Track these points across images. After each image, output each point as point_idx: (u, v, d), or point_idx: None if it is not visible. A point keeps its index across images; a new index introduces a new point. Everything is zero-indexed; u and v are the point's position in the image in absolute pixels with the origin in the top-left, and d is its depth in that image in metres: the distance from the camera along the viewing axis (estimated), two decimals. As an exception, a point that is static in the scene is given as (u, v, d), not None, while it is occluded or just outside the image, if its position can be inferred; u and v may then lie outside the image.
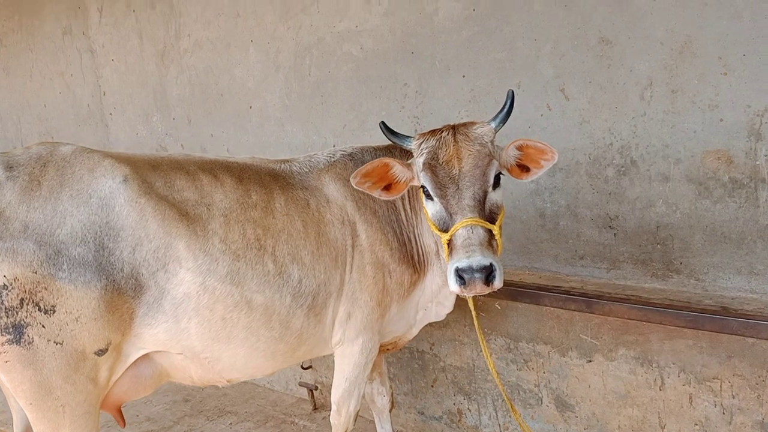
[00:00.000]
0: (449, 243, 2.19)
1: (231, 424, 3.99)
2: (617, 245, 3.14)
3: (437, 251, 2.61)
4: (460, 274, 2.09)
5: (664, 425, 2.73)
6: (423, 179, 2.32)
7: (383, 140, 2.71)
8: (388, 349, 3.06)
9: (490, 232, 2.18)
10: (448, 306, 2.86)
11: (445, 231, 2.23)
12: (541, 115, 3.25)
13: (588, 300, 2.78)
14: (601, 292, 2.81)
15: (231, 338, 2.34)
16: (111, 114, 5.98)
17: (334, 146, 4.11)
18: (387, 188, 2.45)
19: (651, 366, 2.74)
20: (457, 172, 2.25)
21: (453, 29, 3.48)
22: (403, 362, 3.69)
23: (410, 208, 2.68)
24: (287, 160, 2.74)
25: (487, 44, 3.36)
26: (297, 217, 2.50)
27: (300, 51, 4.25)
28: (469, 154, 2.26)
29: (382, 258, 2.60)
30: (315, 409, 4.08)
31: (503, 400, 3.25)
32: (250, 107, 4.69)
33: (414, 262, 2.68)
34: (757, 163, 2.67)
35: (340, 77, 4.07)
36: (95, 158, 2.23)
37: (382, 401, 3.23)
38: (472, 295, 2.21)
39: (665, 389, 2.70)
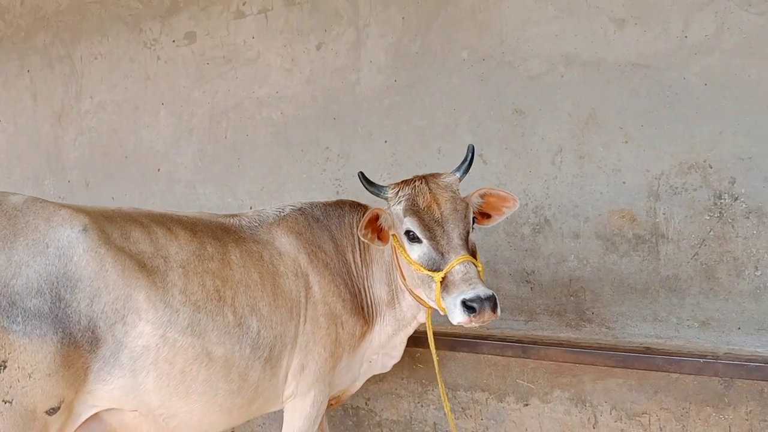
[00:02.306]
0: (443, 280, 2.29)
1: None
2: (534, 298, 3.37)
3: (389, 301, 2.71)
4: (468, 304, 2.19)
5: None
6: (409, 224, 2.42)
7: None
8: (331, 404, 3.04)
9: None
10: (396, 356, 2.92)
11: (436, 270, 2.32)
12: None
13: (524, 346, 2.96)
14: (536, 338, 3.00)
15: (189, 392, 2.28)
16: (-7, 176, 5.60)
17: (251, 207, 4.13)
18: (379, 237, 2.53)
19: (585, 405, 2.94)
20: (440, 215, 2.39)
21: (375, 98, 3.67)
22: (337, 420, 3.66)
23: (360, 260, 2.76)
24: (235, 215, 2.75)
25: (408, 112, 3.58)
26: (253, 269, 2.49)
27: (216, 114, 4.28)
28: (446, 200, 2.42)
29: (335, 309, 2.64)
30: None
31: None
32: (159, 170, 4.60)
33: (364, 313, 2.73)
34: (657, 220, 3.02)
35: (258, 141, 4.13)
36: (50, 208, 2.14)
37: None
38: (479, 324, 2.26)
39: (598, 427, 2.91)
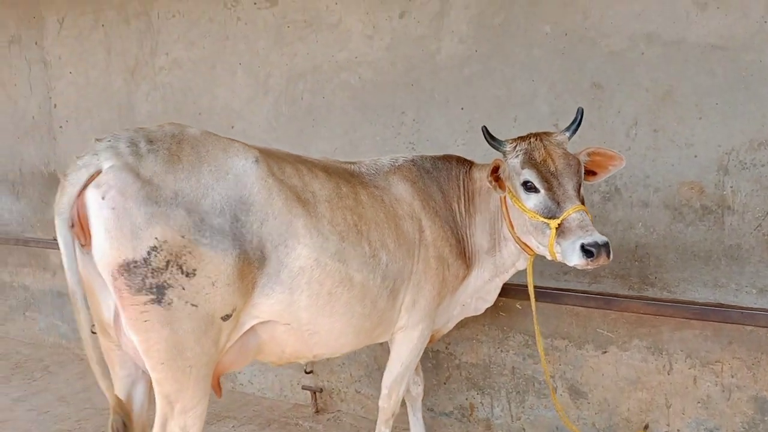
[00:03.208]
0: (558, 227, 2.55)
1: (233, 427, 4.06)
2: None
3: (489, 249, 3.04)
4: (587, 248, 2.45)
5: (670, 405, 3.21)
6: (527, 175, 2.68)
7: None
8: None
9: None
10: (490, 300, 3.24)
11: (552, 218, 2.58)
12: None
13: (606, 298, 3.28)
14: (616, 291, 3.29)
15: (333, 312, 2.58)
16: (62, 127, 5.83)
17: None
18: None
19: (661, 354, 3.24)
20: (555, 168, 2.65)
21: (454, 66, 3.88)
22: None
23: (465, 211, 3.06)
24: (353, 162, 3.05)
25: (486, 82, 3.79)
26: (379, 210, 2.79)
27: (293, 76, 4.48)
28: (559, 155, 2.69)
29: (443, 252, 2.93)
30: (317, 411, 4.24)
31: (518, 392, 3.63)
32: (233, 127, 4.81)
33: (465, 258, 3.03)
34: (724, 193, 3.24)
35: (335, 103, 4.34)
36: (225, 140, 2.44)
37: (417, 390, 3.51)
38: (593, 267, 2.51)
39: (673, 373, 3.20)
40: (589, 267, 2.52)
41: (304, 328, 2.57)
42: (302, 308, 2.50)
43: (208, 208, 2.24)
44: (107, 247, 2.13)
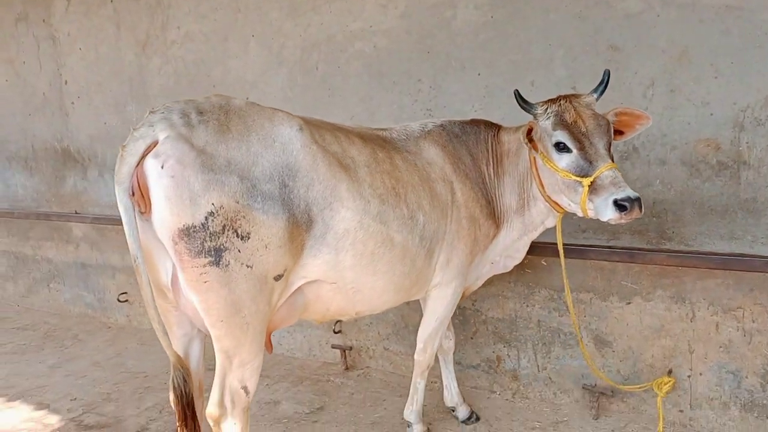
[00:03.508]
0: (591, 184, 2.68)
1: (267, 384, 4.24)
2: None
3: (518, 208, 3.19)
4: (620, 203, 2.58)
5: (692, 350, 3.41)
6: (560, 136, 2.78)
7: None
8: None
9: None
10: (518, 258, 3.40)
11: (584, 176, 2.71)
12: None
13: (631, 251, 3.43)
14: (640, 245, 3.48)
15: (375, 271, 2.73)
16: (73, 103, 5.87)
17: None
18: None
19: (684, 302, 3.42)
20: (585, 129, 2.76)
21: (470, 33, 3.94)
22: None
23: (493, 172, 3.20)
24: (384, 129, 3.16)
25: (502, 47, 3.85)
26: (414, 173, 2.92)
27: (307, 47, 4.53)
28: (588, 116, 2.79)
29: (474, 213, 3.08)
30: (347, 369, 4.43)
31: (543, 343, 3.83)
32: (247, 98, 4.87)
33: (495, 217, 3.18)
34: (740, 149, 3.35)
35: (350, 72, 4.40)
36: (269, 110, 2.54)
37: (449, 344, 3.69)
38: (626, 221, 2.64)
39: (695, 320, 3.39)
40: (622, 221, 2.64)
41: (349, 287, 2.71)
42: (347, 268, 2.63)
43: (258, 174, 2.35)
44: (167, 214, 2.24)
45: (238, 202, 2.28)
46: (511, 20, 3.80)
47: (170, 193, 2.23)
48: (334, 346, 4.47)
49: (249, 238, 2.31)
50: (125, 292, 5.65)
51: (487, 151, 3.21)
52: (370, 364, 4.49)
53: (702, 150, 3.44)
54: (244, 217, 2.29)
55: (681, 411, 3.52)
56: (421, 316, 3.35)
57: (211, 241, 2.25)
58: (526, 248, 3.37)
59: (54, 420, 3.87)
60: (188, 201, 2.23)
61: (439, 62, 4.08)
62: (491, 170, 3.19)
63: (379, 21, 4.21)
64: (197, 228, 2.24)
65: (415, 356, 3.36)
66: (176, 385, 2.50)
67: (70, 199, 6.11)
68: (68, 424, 3.82)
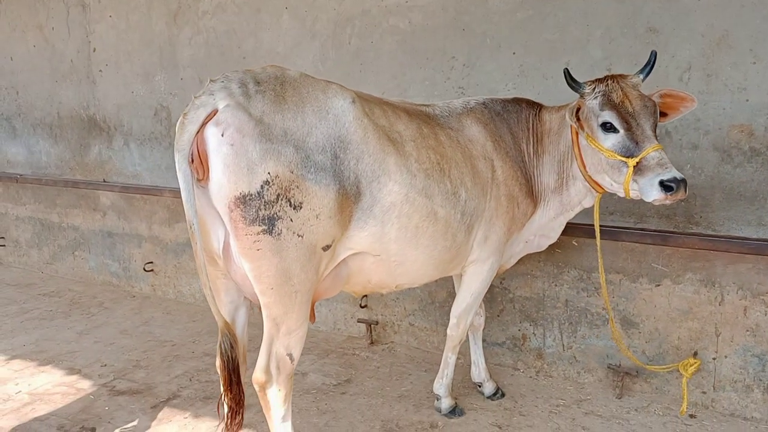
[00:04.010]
0: (636, 165, 2.70)
1: None
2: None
3: (556, 188, 3.23)
4: (666, 184, 2.61)
5: (719, 333, 3.46)
6: (607, 116, 2.79)
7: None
8: None
9: None
10: (553, 237, 3.42)
11: (629, 157, 2.73)
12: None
13: (663, 234, 3.46)
14: (672, 229, 3.52)
15: (418, 244, 2.78)
16: (101, 71, 5.90)
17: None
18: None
19: (713, 286, 3.46)
20: (632, 109, 2.77)
21: (507, 11, 3.94)
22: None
23: (533, 151, 3.23)
24: (428, 105, 3.18)
25: (540, 26, 3.86)
26: (456, 149, 2.96)
27: (341, 21, 4.54)
28: (635, 97, 2.80)
29: (513, 191, 3.12)
30: (372, 343, 4.50)
31: (570, 323, 3.89)
32: (279, 71, 4.89)
33: (533, 196, 3.22)
34: (774, 135, 3.37)
35: (383, 48, 4.41)
36: (322, 82, 2.57)
37: (479, 321, 3.74)
38: (671, 202, 2.67)
39: (724, 304, 3.43)
40: (666, 201, 2.67)
41: (392, 259, 2.76)
42: (392, 240, 2.68)
43: (312, 145, 2.39)
44: (225, 181, 2.29)
45: (292, 172, 2.33)
46: (549, 0, 3.80)
47: (229, 161, 2.28)
48: (360, 321, 4.53)
49: (301, 207, 2.36)
50: (151, 262, 5.72)
51: (528, 129, 3.23)
52: (395, 339, 4.56)
53: (735, 136, 3.45)
54: (297, 187, 2.34)
55: (704, 392, 3.57)
56: (448, 292, 3.41)
57: (265, 209, 2.30)
58: (561, 228, 3.40)
59: (86, 385, 3.96)
60: (246, 169, 2.27)
61: (474, 40, 4.08)
62: (531, 149, 3.22)
63: (414, -3, 4.22)
64: (253, 196, 2.29)
65: (448, 330, 3.42)
66: (223, 351, 2.56)
67: (94, 167, 6.17)
68: (100, 389, 3.90)
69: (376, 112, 2.70)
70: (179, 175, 2.31)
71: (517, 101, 3.31)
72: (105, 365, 4.26)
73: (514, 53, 3.97)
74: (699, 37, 3.45)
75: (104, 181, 5.93)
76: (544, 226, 3.35)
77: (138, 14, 5.52)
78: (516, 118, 3.25)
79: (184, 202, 2.34)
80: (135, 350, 4.51)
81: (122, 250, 5.99)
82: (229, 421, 2.64)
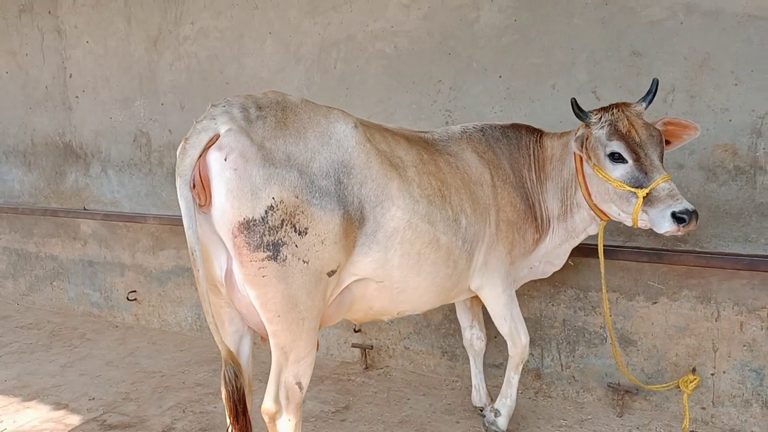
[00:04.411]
0: (646, 196, 2.74)
1: None
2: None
3: (560, 215, 3.25)
4: (678, 216, 2.66)
5: (716, 349, 3.53)
6: (615, 146, 2.82)
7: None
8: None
9: None
10: (558, 265, 3.44)
11: (638, 187, 2.76)
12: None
13: (658, 252, 3.53)
14: (667, 247, 3.59)
15: (420, 271, 2.76)
16: (77, 97, 5.82)
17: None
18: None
19: (709, 302, 3.53)
20: (639, 140, 2.81)
21: (493, 35, 4.00)
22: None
23: (535, 178, 3.25)
24: (426, 131, 3.20)
25: (525, 50, 3.92)
26: (456, 175, 2.96)
27: (326, 46, 4.55)
28: (641, 126, 2.85)
29: (512, 217, 3.13)
30: (366, 368, 4.47)
31: (568, 342, 3.93)
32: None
33: (537, 223, 3.22)
34: (757, 154, 3.47)
35: (369, 72, 4.44)
36: (324, 108, 2.58)
37: (480, 344, 3.72)
38: (683, 233, 2.72)
39: (720, 320, 3.51)
40: (678, 233, 2.72)
41: (395, 286, 2.75)
42: (395, 266, 2.67)
43: (316, 170, 2.39)
44: (228, 207, 2.28)
45: (297, 197, 2.32)
46: (534, 24, 3.87)
47: (232, 186, 2.26)
48: (354, 345, 4.51)
49: (306, 233, 2.35)
50: (134, 291, 5.62)
51: (529, 156, 3.26)
52: (390, 363, 4.54)
53: (719, 155, 3.55)
54: (302, 213, 2.33)
55: (703, 408, 3.63)
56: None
57: (270, 235, 2.29)
58: (567, 255, 3.43)
59: (75, 420, 3.86)
60: (249, 194, 2.26)
61: (460, 64, 4.13)
62: (533, 175, 3.25)
63: (401, 21, 4.26)
64: (257, 222, 2.27)
65: (509, 351, 3.40)
66: (227, 380, 2.53)
67: (70, 195, 6.05)
68: (90, 423, 3.81)
69: (377, 138, 2.70)
70: (180, 200, 2.30)
71: (516, 127, 3.35)
72: (93, 399, 4.15)
73: (500, 77, 4.03)
74: (682, 60, 3.55)
75: (84, 209, 5.81)
76: (550, 253, 3.37)
77: (116, 40, 5.46)
78: (516, 144, 3.27)
79: (186, 229, 2.31)
80: (123, 382, 4.41)
81: (104, 279, 5.87)
82: None
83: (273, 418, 2.55)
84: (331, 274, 2.49)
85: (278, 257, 2.31)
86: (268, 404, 2.53)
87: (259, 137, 2.32)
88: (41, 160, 6.22)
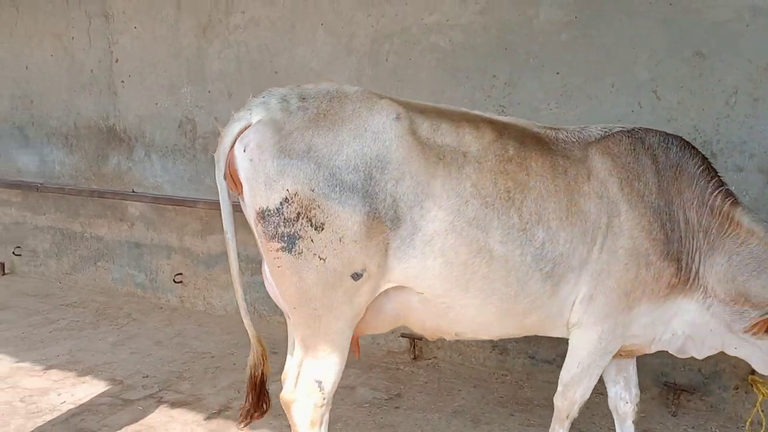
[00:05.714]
0: None
1: None
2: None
3: (723, 299, 2.65)
4: None
5: None
6: None
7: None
8: (620, 355, 2.90)
9: None
10: (698, 352, 2.86)
11: None
12: (632, 111, 3.87)
13: None
14: None
15: (468, 286, 2.44)
16: (123, 82, 5.86)
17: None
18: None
19: None
20: None
21: (552, 32, 4.00)
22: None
23: (697, 224, 2.65)
24: (554, 128, 2.76)
25: (585, 47, 3.93)
26: (551, 181, 2.50)
27: (379, 38, 4.57)
28: None
29: (640, 246, 2.53)
30: (415, 358, 4.53)
31: None
32: (313, 86, 4.91)
33: (681, 264, 2.60)
34: (819, 158, 3.49)
35: (422, 65, 4.45)
36: (374, 98, 2.42)
37: (625, 408, 3.07)
38: None
39: None
40: None
41: (439, 300, 2.48)
42: (435, 277, 2.41)
43: (340, 163, 2.28)
44: (248, 196, 2.34)
45: (313, 190, 2.26)
46: (595, 21, 3.87)
47: (249, 176, 2.32)
48: (403, 335, 4.57)
49: (323, 228, 2.27)
50: (180, 273, 5.71)
51: (703, 198, 2.68)
52: (438, 355, 4.61)
53: (781, 158, 3.56)
54: (318, 207, 2.26)
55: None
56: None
57: (285, 227, 2.28)
58: (714, 351, 2.83)
59: (132, 395, 3.96)
60: (263, 185, 2.29)
61: (516, 59, 4.14)
62: (695, 219, 2.66)
63: (457, 15, 4.27)
64: (272, 212, 2.29)
65: (554, 400, 2.87)
66: (252, 365, 2.64)
67: (112, 178, 6.12)
68: (147, 399, 3.91)
69: (443, 129, 2.44)
70: (218, 185, 2.42)
71: (688, 145, 2.75)
72: (147, 376, 4.25)
73: (557, 73, 4.04)
74: (746, 63, 3.55)
75: (133, 191, 5.88)
76: (700, 329, 2.73)
77: (165, 26, 5.49)
78: (678, 157, 2.70)
79: (222, 212, 2.45)
80: (174, 362, 4.51)
81: (150, 261, 5.95)
82: (244, 414, 2.72)
83: (287, 406, 2.56)
84: (356, 277, 2.35)
85: (293, 250, 2.29)
86: (286, 392, 2.56)
87: (291, 127, 2.29)
88: (83, 143, 6.28)
